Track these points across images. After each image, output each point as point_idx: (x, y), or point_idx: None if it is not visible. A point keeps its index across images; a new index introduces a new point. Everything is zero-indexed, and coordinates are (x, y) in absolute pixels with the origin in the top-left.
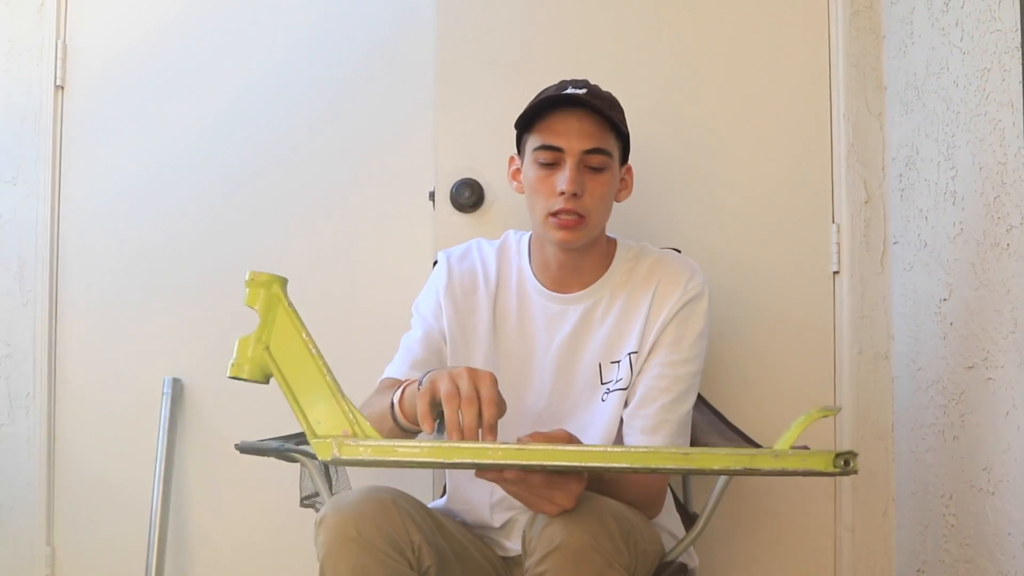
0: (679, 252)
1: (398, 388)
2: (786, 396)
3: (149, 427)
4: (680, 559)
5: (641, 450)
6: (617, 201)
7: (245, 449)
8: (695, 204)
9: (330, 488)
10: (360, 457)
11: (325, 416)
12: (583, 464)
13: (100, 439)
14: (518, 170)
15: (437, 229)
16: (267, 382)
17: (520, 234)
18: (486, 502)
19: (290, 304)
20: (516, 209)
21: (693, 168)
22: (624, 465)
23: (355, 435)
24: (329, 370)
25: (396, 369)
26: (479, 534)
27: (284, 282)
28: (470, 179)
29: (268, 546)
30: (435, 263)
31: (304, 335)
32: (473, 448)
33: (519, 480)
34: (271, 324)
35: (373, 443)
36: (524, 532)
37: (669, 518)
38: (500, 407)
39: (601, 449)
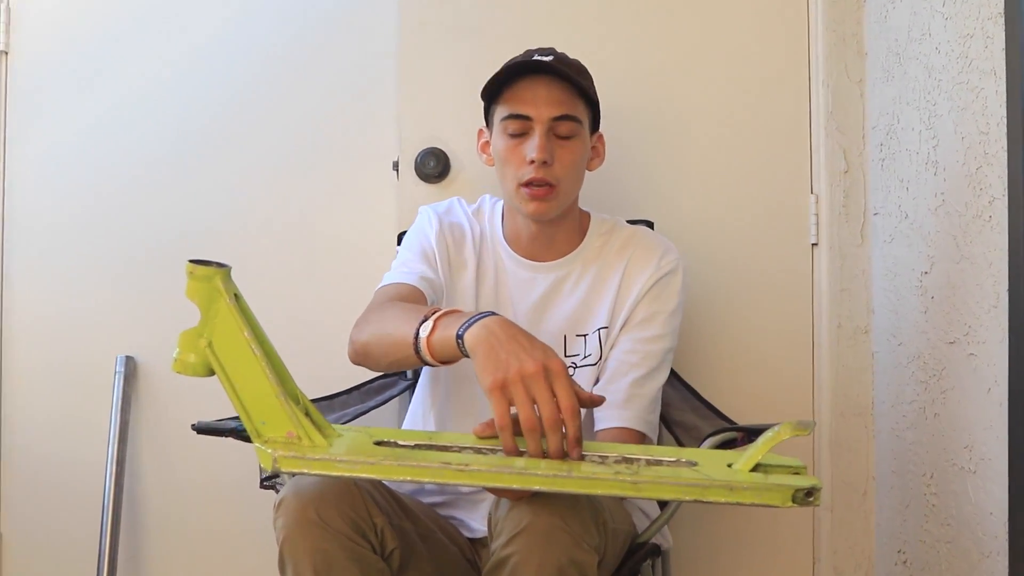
0: (652, 228)
1: (422, 317)
2: (763, 371)
3: (101, 407)
4: (653, 540)
5: (588, 475)
6: (589, 170)
7: (202, 430)
8: (669, 173)
9: None
10: (301, 471)
11: (270, 416)
12: (532, 487)
13: (50, 419)
14: (487, 143)
15: (401, 201)
16: (211, 374)
17: (495, 200)
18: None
19: (233, 297)
20: (483, 179)
21: (667, 136)
22: (569, 491)
23: (299, 439)
24: (273, 369)
25: (401, 275)
26: (446, 515)
27: (226, 274)
28: (435, 148)
29: (226, 529)
30: (408, 230)
31: (246, 333)
32: (417, 466)
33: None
34: (212, 319)
35: (315, 456)
36: (490, 513)
37: None
38: (579, 414)
39: (545, 474)
